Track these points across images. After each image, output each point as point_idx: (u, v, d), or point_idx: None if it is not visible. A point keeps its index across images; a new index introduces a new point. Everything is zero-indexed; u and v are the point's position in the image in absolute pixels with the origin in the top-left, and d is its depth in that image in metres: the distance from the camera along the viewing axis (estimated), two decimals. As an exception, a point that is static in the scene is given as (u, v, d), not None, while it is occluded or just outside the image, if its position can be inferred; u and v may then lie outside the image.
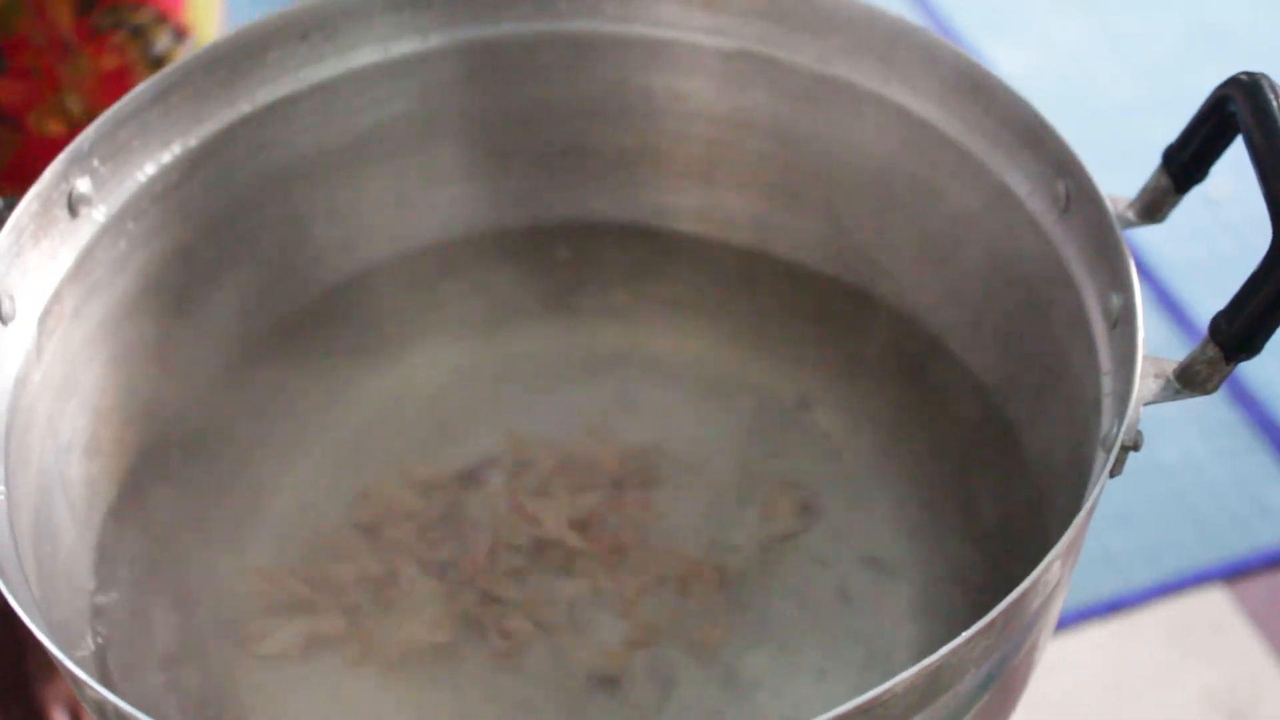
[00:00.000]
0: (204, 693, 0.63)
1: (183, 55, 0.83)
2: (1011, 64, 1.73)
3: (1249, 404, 1.39)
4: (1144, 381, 0.55)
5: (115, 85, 0.82)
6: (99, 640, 0.63)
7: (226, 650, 0.65)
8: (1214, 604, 1.25)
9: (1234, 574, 1.27)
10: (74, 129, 0.82)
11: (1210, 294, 1.48)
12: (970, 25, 1.78)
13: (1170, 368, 0.55)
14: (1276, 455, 1.36)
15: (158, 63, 0.82)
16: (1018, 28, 1.79)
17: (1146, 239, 1.50)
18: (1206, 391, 0.55)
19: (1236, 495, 1.33)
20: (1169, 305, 1.47)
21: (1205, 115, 0.59)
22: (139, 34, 0.81)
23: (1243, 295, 0.53)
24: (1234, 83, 0.57)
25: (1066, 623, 1.23)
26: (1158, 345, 1.43)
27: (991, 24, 1.79)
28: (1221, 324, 0.54)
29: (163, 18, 0.81)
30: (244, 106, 0.70)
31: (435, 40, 0.74)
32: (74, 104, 0.82)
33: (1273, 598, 1.26)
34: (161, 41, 0.82)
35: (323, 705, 0.64)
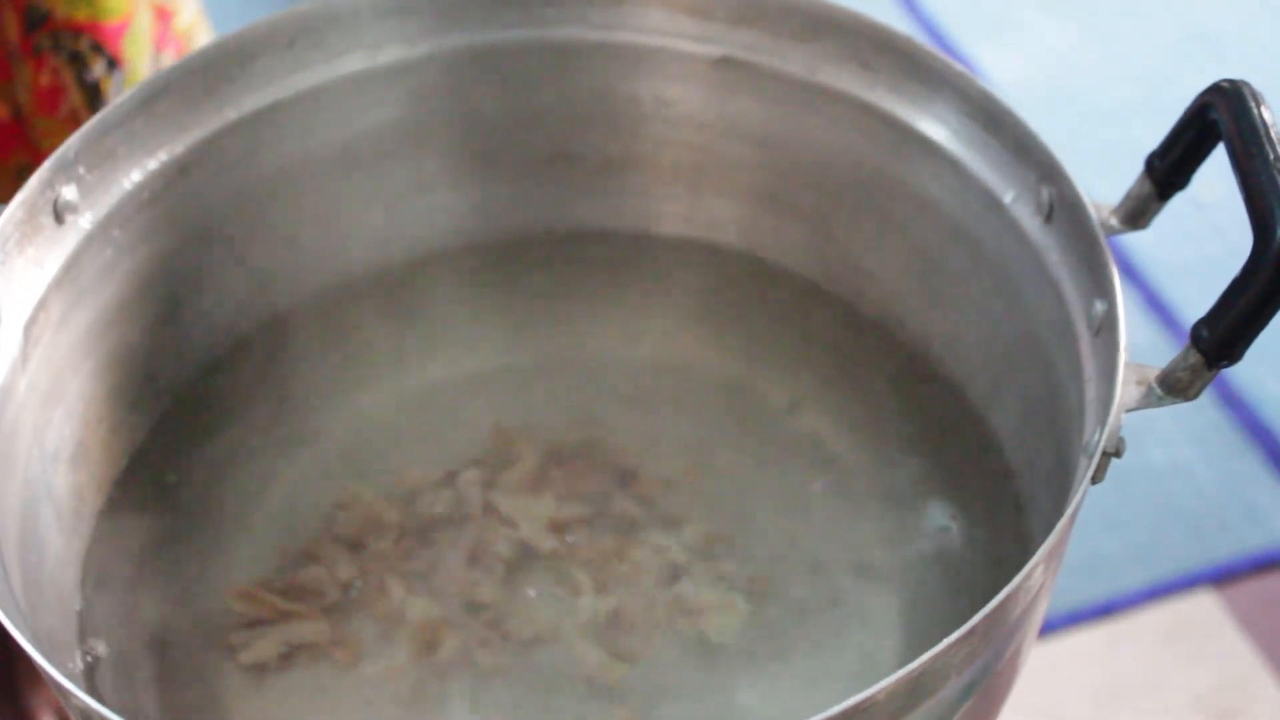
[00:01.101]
0: (189, 702, 0.63)
1: (114, 86, 0.86)
2: (1000, 67, 1.73)
3: (1237, 406, 1.39)
4: (1126, 388, 0.55)
5: (49, 101, 0.86)
6: (85, 649, 0.63)
7: (211, 659, 0.65)
8: (1203, 607, 1.26)
9: (1223, 577, 1.27)
10: (17, 118, 0.85)
11: (1199, 296, 1.48)
12: (959, 28, 1.78)
13: (1152, 374, 0.56)
14: (1265, 458, 1.36)
15: (91, 88, 0.85)
16: (1007, 31, 1.79)
17: (1134, 241, 1.50)
18: (1188, 398, 0.55)
19: (1225, 498, 1.33)
20: (1157, 308, 1.47)
21: (1187, 122, 0.59)
22: (75, 60, 0.85)
23: (1223, 302, 0.53)
24: (1216, 90, 0.57)
25: (1056, 627, 1.23)
26: (1146, 347, 1.43)
27: (980, 27, 1.79)
28: (1203, 331, 0.54)
29: (99, 47, 0.85)
30: (230, 114, 0.71)
31: (422, 48, 0.74)
32: (22, 95, 0.86)
33: (1262, 601, 1.26)
34: (96, 69, 0.85)
35: (307, 716, 0.64)
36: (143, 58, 0.87)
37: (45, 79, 0.85)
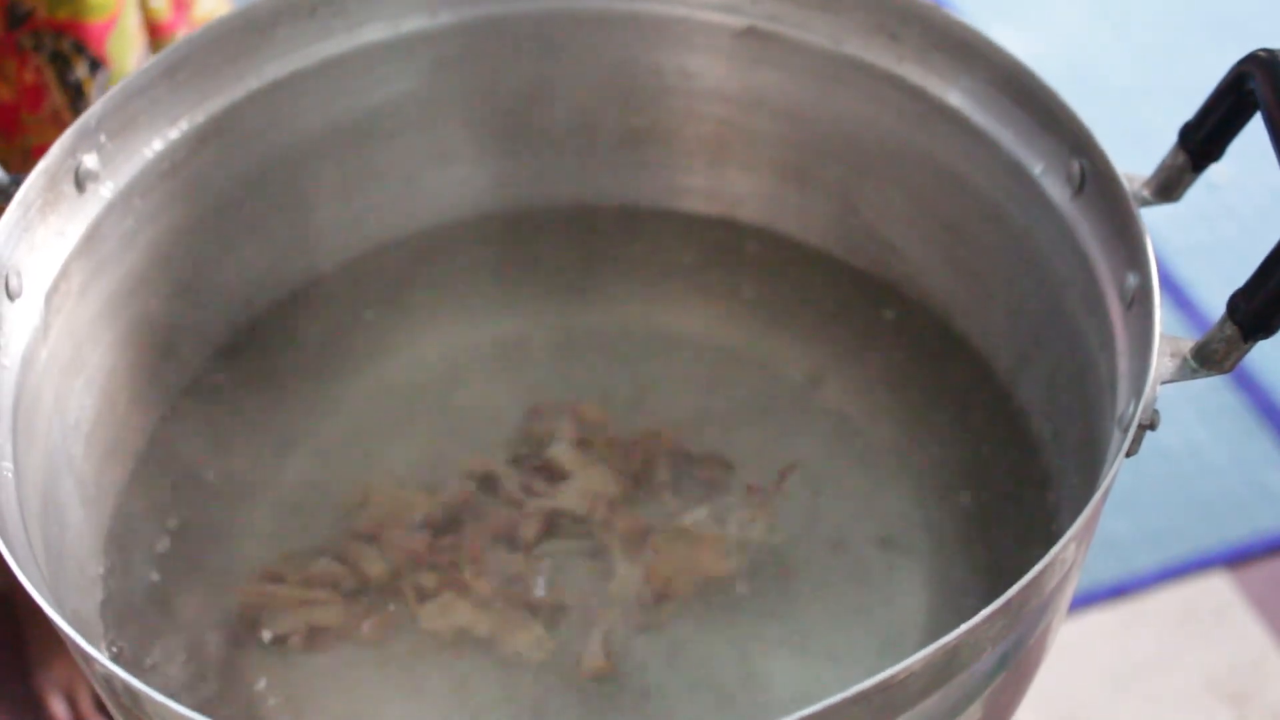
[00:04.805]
0: (207, 672, 0.63)
1: (97, 87, 0.85)
2: (1016, 47, 1.72)
3: (1251, 388, 1.38)
4: (1161, 360, 0.54)
5: (32, 98, 0.85)
6: (105, 619, 0.63)
7: (230, 633, 0.64)
8: (1216, 589, 1.25)
9: (1236, 559, 1.27)
10: (15, 101, 0.84)
11: (1212, 278, 1.47)
12: (975, 8, 1.77)
13: (1186, 347, 0.55)
14: (1278, 439, 1.35)
15: (74, 88, 0.85)
16: (1023, 10, 1.78)
17: (1148, 222, 1.50)
18: (1223, 370, 0.54)
19: (1239, 480, 1.33)
20: (1171, 289, 1.46)
21: (1223, 92, 0.58)
22: (57, 59, 0.84)
23: (1261, 273, 0.53)
24: (1253, 59, 0.56)
25: (1070, 608, 1.23)
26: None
27: (996, 7, 1.78)
28: (1240, 303, 0.53)
29: (81, 47, 0.84)
30: (252, 83, 0.70)
31: (444, 17, 0.74)
32: (6, 90, 0.85)
33: (1275, 582, 1.26)
34: (78, 69, 0.84)
35: (326, 690, 0.63)
36: (129, 57, 0.86)
37: (29, 76, 0.84)
